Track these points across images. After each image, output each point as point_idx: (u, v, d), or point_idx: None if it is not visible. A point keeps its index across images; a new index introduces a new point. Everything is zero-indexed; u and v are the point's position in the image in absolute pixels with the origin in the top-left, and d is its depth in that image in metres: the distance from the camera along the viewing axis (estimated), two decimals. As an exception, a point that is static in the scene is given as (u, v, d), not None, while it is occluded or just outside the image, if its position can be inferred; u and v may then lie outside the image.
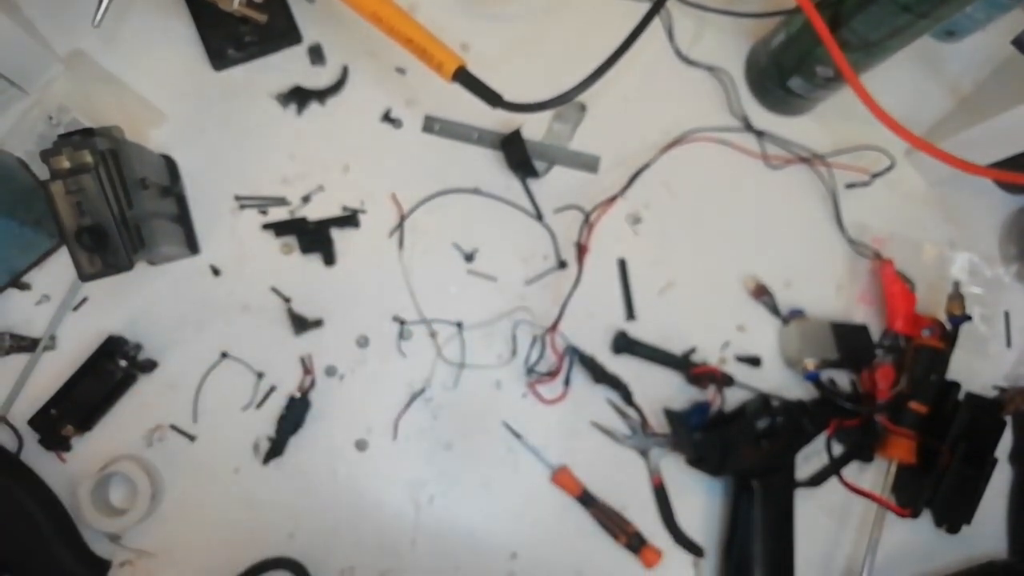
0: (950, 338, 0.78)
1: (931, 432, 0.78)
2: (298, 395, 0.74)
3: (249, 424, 0.75)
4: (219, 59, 0.78)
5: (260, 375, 0.75)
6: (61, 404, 0.71)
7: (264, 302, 0.76)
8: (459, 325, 0.78)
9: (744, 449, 0.74)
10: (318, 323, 0.76)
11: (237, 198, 0.77)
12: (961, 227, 0.86)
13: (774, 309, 0.81)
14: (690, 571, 0.78)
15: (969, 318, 0.78)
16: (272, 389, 0.75)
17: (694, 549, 0.77)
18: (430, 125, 0.80)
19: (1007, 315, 0.85)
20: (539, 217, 0.80)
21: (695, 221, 0.82)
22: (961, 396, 0.80)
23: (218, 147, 0.77)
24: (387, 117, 0.80)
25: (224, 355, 0.75)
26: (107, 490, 0.73)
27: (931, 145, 0.66)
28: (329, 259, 0.77)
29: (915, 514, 0.78)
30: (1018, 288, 0.86)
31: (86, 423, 0.72)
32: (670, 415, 0.78)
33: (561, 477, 0.76)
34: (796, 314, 0.81)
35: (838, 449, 0.78)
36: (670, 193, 0.82)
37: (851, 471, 0.79)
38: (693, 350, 0.80)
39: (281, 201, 0.77)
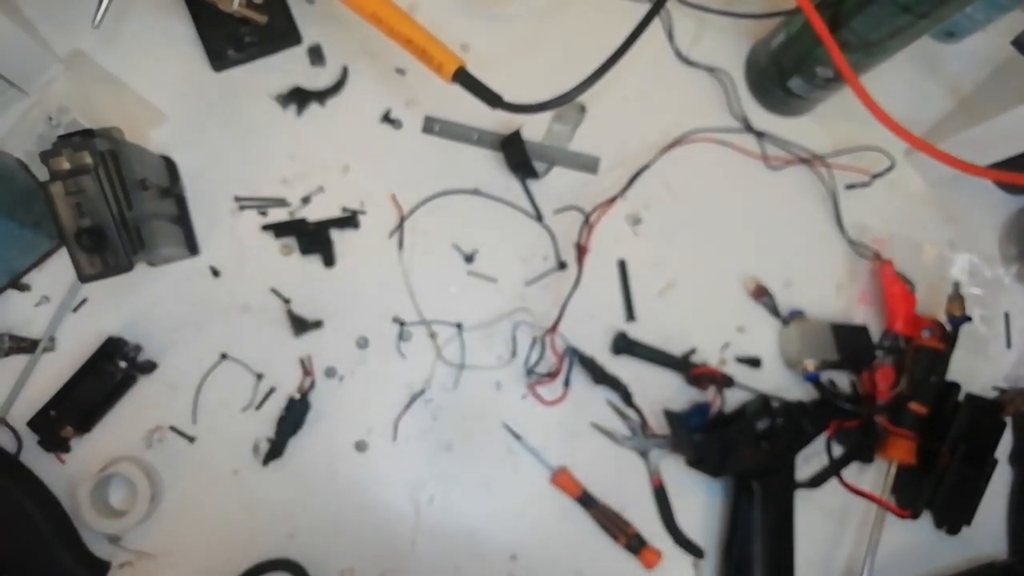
0: (950, 339, 0.78)
1: (931, 433, 0.78)
2: (298, 396, 0.74)
3: (249, 425, 0.75)
4: (219, 60, 0.78)
5: (260, 376, 0.75)
6: (60, 405, 0.71)
7: (264, 303, 0.76)
8: (459, 326, 0.78)
9: (744, 450, 0.74)
10: (318, 324, 0.76)
11: (237, 199, 0.77)
12: (961, 228, 0.86)
13: (774, 310, 0.81)
14: (690, 572, 0.78)
15: (969, 319, 0.78)
16: (272, 390, 0.75)
17: (694, 550, 0.77)
18: (430, 126, 0.80)
19: (1007, 316, 0.85)
20: (539, 218, 0.80)
21: (695, 222, 0.82)
22: (961, 397, 0.80)
23: (218, 148, 0.77)
24: (387, 118, 0.80)
25: (224, 356, 0.75)
26: (107, 491, 0.73)
27: (931, 146, 0.66)
28: (329, 260, 0.77)
29: (915, 515, 0.78)
30: (1018, 289, 0.86)
31: (86, 424, 0.72)
32: (670, 416, 0.78)
33: (561, 478, 0.76)
34: (796, 315, 0.81)
35: (838, 450, 0.78)
36: (670, 194, 0.82)
37: (851, 472, 0.79)
38: (693, 351, 0.80)
39: (281, 202, 0.77)
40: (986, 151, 0.76)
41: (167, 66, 0.78)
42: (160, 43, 0.78)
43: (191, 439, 0.74)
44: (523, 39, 0.82)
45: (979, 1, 0.73)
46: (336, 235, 0.77)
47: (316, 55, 0.79)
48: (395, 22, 0.65)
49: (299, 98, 0.78)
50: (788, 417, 0.74)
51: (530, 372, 0.77)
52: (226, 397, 0.75)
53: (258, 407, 0.75)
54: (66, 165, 0.60)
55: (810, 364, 0.77)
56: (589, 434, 0.78)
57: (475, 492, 0.77)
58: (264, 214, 0.77)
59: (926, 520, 0.80)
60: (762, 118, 0.84)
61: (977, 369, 0.83)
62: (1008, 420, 0.81)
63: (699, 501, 0.79)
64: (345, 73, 0.79)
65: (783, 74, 0.78)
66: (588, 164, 0.81)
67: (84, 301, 0.74)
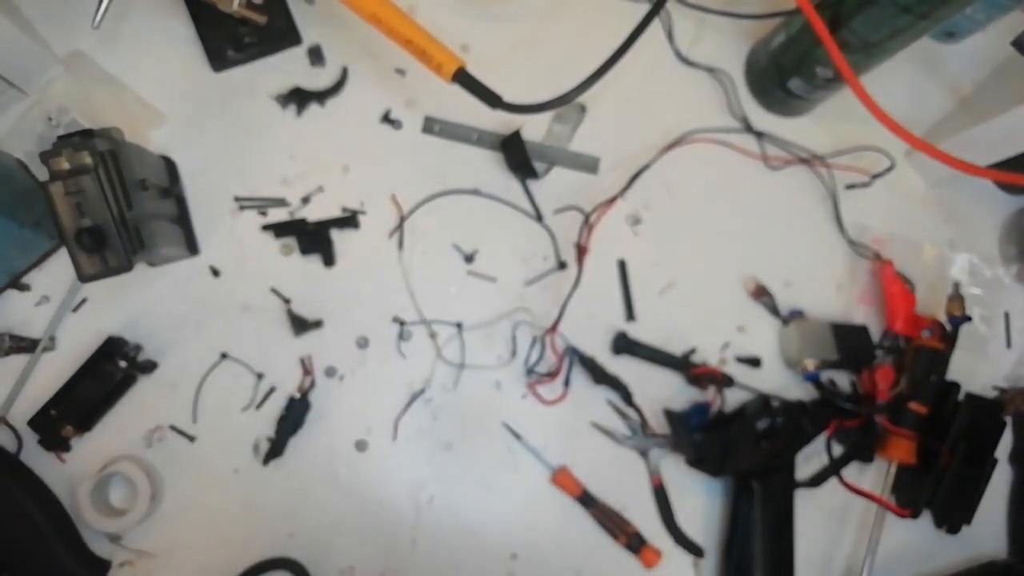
0: (950, 339, 0.78)
1: (931, 433, 0.78)
2: (298, 396, 0.74)
3: (249, 425, 0.75)
4: (219, 60, 0.78)
5: (260, 376, 0.75)
6: (61, 405, 0.71)
7: (264, 303, 0.76)
8: (459, 326, 0.78)
9: (744, 450, 0.74)
10: (318, 324, 0.76)
11: (237, 199, 0.77)
12: (961, 228, 0.86)
13: (774, 310, 0.81)
14: (690, 571, 0.78)
15: (969, 319, 0.78)
16: (272, 390, 0.75)
17: (694, 549, 0.77)
18: (430, 126, 0.80)
19: (1007, 316, 0.85)
20: (539, 218, 0.80)
21: (695, 222, 0.82)
22: (961, 397, 0.80)
23: (218, 148, 0.77)
24: (387, 118, 0.80)
25: (224, 356, 0.75)
26: (107, 490, 0.73)
27: (931, 146, 0.66)
28: (329, 260, 0.77)
29: (915, 515, 0.78)
30: (1018, 289, 0.86)
31: (86, 424, 0.72)
32: (670, 416, 0.78)
33: (561, 478, 0.76)
34: (796, 315, 0.81)
35: (838, 450, 0.78)
36: (670, 194, 0.82)
37: (851, 472, 0.79)
38: (693, 351, 0.80)
39: (281, 202, 0.77)
40: (986, 151, 0.76)
41: (167, 66, 0.78)
42: (160, 43, 0.78)
43: (191, 438, 0.74)
44: (523, 39, 0.83)
45: (979, 1, 0.73)
46: (336, 235, 0.77)
47: (316, 55, 0.79)
48: (395, 22, 0.65)
49: (299, 98, 0.78)
50: (788, 417, 0.74)
51: (530, 372, 0.77)
52: (226, 397, 0.75)
53: (258, 407, 0.75)
54: (66, 165, 0.60)
55: (810, 364, 0.77)
56: (589, 434, 0.78)
57: (475, 492, 0.77)
58: (264, 214, 0.77)
59: (926, 520, 0.80)
60: (762, 118, 0.84)
61: (977, 369, 0.83)
62: (1008, 420, 0.81)
63: (699, 501, 0.79)
64: (345, 73, 0.79)
65: (783, 74, 0.78)
66: (588, 164, 0.81)
67: (84, 301, 0.75)
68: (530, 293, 0.79)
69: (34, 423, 0.72)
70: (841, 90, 0.78)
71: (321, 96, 0.78)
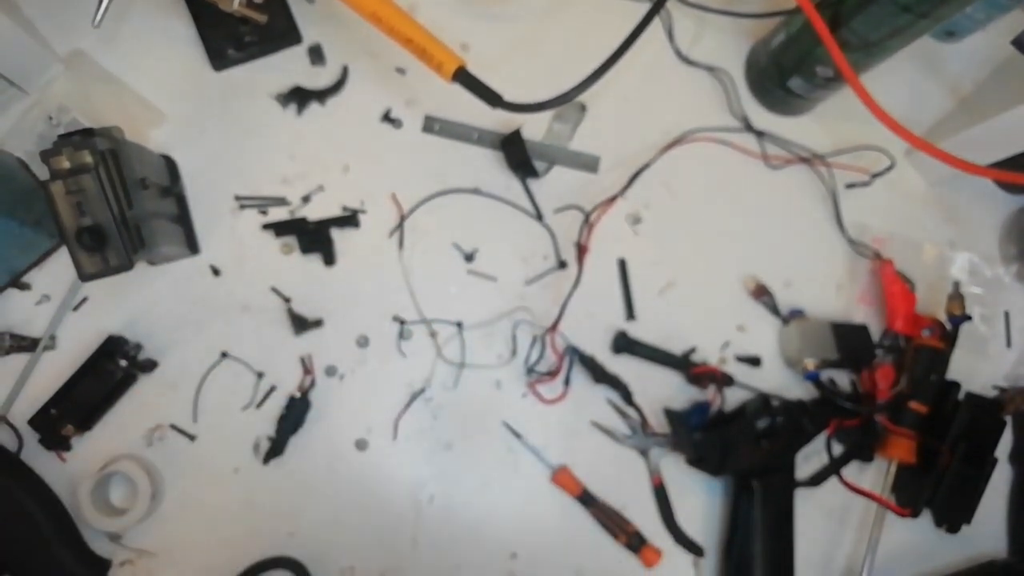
0: (950, 338, 0.78)
1: (931, 432, 0.78)
2: (298, 395, 0.74)
3: (249, 424, 0.75)
4: (219, 59, 0.78)
5: (260, 375, 0.75)
6: (61, 404, 0.71)
7: (264, 302, 0.76)
8: (459, 325, 0.78)
9: (744, 449, 0.74)
10: (318, 323, 0.76)
11: (237, 198, 0.77)
12: (961, 227, 0.86)
13: (774, 309, 0.81)
14: (690, 571, 0.78)
15: (969, 318, 0.78)
16: (272, 389, 0.75)
17: (694, 549, 0.77)
18: (430, 125, 0.80)
19: (1007, 315, 0.85)
20: (539, 217, 0.80)
21: (695, 221, 0.82)
22: (961, 396, 0.80)
23: (218, 147, 0.77)
24: (387, 117, 0.80)
25: (224, 355, 0.75)
26: (107, 490, 0.73)
27: (931, 145, 0.66)
28: (329, 259, 0.77)
29: (915, 514, 0.78)
30: (1018, 288, 0.86)
31: (86, 423, 0.72)
32: (670, 415, 0.78)
33: (561, 477, 0.76)
34: (796, 314, 0.81)
35: (838, 449, 0.78)
36: (670, 193, 0.82)
37: (851, 471, 0.79)
38: (693, 350, 0.80)
39: (281, 201, 0.77)
40: (986, 151, 0.76)
41: (167, 65, 0.78)
42: (160, 43, 0.78)
43: (192, 437, 0.74)
44: (523, 39, 0.83)
45: (979, 1, 0.73)
46: (336, 234, 0.77)
47: (316, 54, 0.79)
48: (395, 22, 0.65)
49: (299, 97, 0.78)
50: (788, 416, 0.74)
51: (530, 371, 0.77)
52: (227, 396, 0.75)
53: (258, 406, 0.75)
54: (66, 164, 0.60)
55: (810, 363, 0.77)
56: (589, 433, 0.78)
57: (475, 491, 0.77)
58: (264, 213, 0.77)
59: (926, 519, 0.80)
60: (762, 118, 0.84)
61: (977, 368, 0.83)
62: (1008, 419, 0.81)
63: (699, 500, 0.79)
64: (345, 72, 0.79)
65: (783, 74, 0.78)
66: (588, 163, 0.82)
67: (84, 300, 0.75)
68: (530, 292, 0.79)
69: (34, 422, 0.72)
70: (841, 89, 0.78)
71: (321, 95, 0.78)
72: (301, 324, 0.75)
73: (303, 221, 0.77)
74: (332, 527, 0.75)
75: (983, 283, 0.85)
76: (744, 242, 0.82)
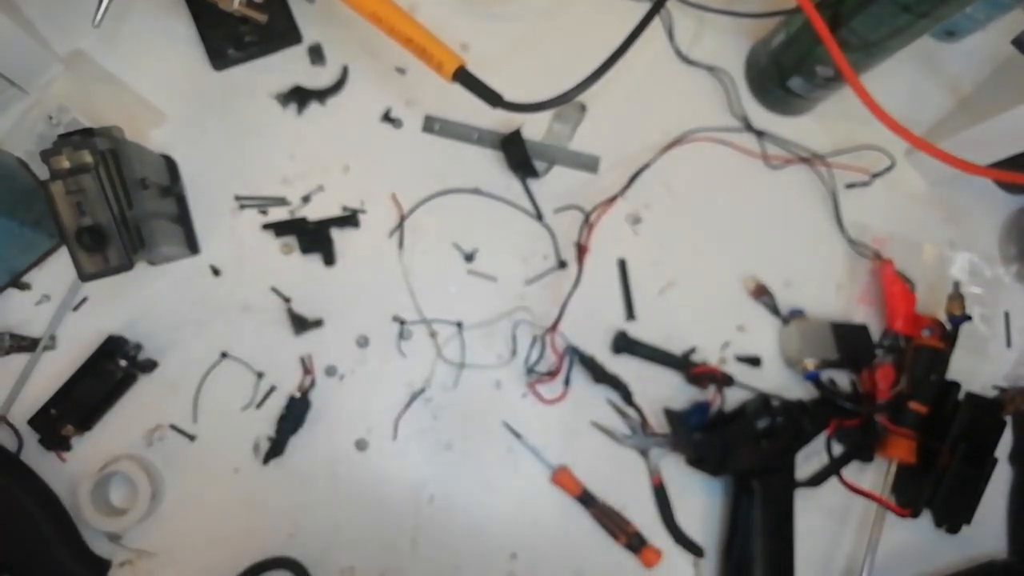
0: (950, 338, 0.78)
1: (931, 432, 0.78)
2: (298, 395, 0.74)
3: (249, 424, 0.75)
4: (219, 59, 0.78)
5: (260, 375, 0.75)
6: (61, 404, 0.71)
7: (264, 302, 0.76)
8: (459, 325, 0.78)
9: (744, 449, 0.74)
10: (318, 323, 0.76)
11: (237, 198, 0.77)
12: (961, 227, 0.86)
13: (774, 309, 0.81)
14: (690, 571, 0.78)
15: (969, 318, 0.78)
16: (272, 389, 0.75)
17: (694, 549, 0.77)
18: (430, 125, 0.80)
19: (1007, 315, 0.85)
20: (539, 217, 0.80)
21: (695, 221, 0.82)
22: (961, 396, 0.80)
23: (218, 147, 0.77)
24: (387, 117, 0.80)
25: (224, 355, 0.75)
26: (107, 490, 0.73)
27: (931, 145, 0.66)
28: (329, 259, 0.77)
29: (915, 514, 0.78)
30: (1018, 288, 0.86)
31: (86, 423, 0.72)
32: (670, 415, 0.78)
33: (561, 477, 0.76)
34: (796, 314, 0.81)
35: (838, 449, 0.78)
36: (670, 193, 0.82)
37: (851, 471, 0.79)
38: (693, 350, 0.80)
39: (281, 201, 0.77)
40: (986, 151, 0.76)
41: (167, 66, 0.78)
42: (160, 43, 0.78)
43: (192, 438, 0.74)
44: (523, 39, 0.83)
45: (979, 1, 0.73)
46: (336, 234, 0.77)
47: (316, 54, 0.79)
48: (395, 21, 0.65)
49: (299, 97, 0.78)
50: (788, 416, 0.74)
51: (530, 371, 0.77)
52: (227, 396, 0.75)
53: (258, 406, 0.75)
54: (66, 164, 0.60)
55: (810, 363, 0.77)
56: (589, 433, 0.78)
57: (475, 491, 0.77)
58: (264, 213, 0.77)
59: (926, 519, 0.80)
60: (762, 117, 0.84)
61: (977, 368, 0.83)
62: (1008, 419, 0.81)
63: (699, 500, 0.79)
64: (345, 72, 0.79)
65: (783, 73, 0.78)
66: (588, 163, 0.82)
67: (84, 300, 0.75)
68: (530, 292, 0.79)
69: (34, 422, 0.72)
70: (841, 89, 0.78)
71: (321, 95, 0.78)
72: (301, 324, 0.75)
73: (303, 221, 0.77)
74: (332, 527, 0.75)
75: (983, 283, 0.85)
76: (744, 242, 0.82)
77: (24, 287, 0.74)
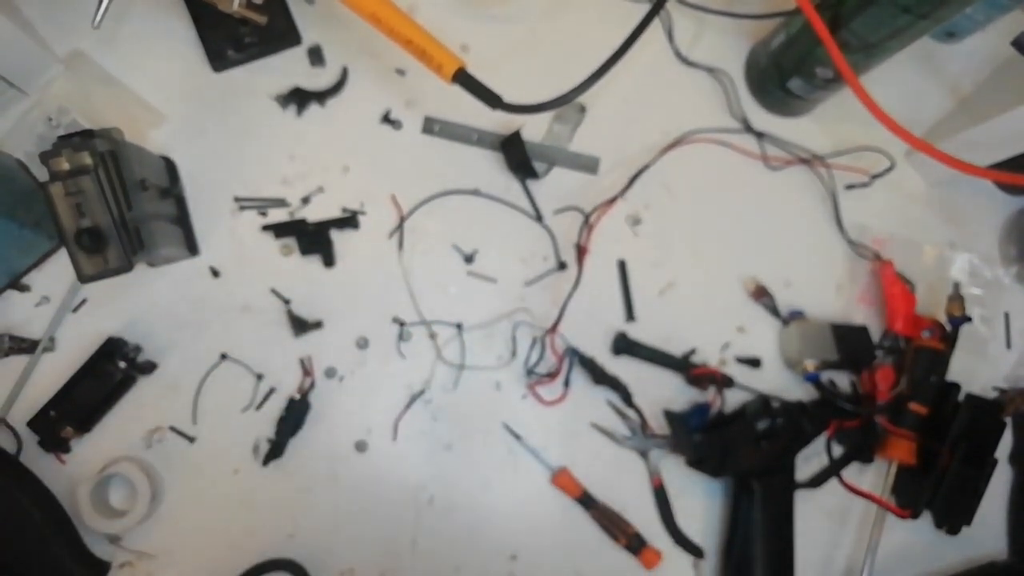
0: (950, 339, 0.78)
1: (931, 433, 0.78)
2: (298, 396, 0.74)
3: (249, 425, 0.75)
4: (219, 60, 0.78)
5: (260, 377, 0.75)
6: (60, 406, 0.71)
7: (264, 303, 0.76)
8: (459, 326, 0.78)
9: (744, 450, 0.74)
10: (318, 325, 0.76)
11: (237, 199, 0.77)
12: (961, 228, 0.86)
13: (774, 310, 0.81)
14: (690, 572, 0.78)
15: (969, 319, 0.78)
16: (272, 391, 0.75)
17: (694, 550, 0.77)
18: (430, 126, 0.80)
19: (1007, 316, 0.85)
20: (539, 218, 0.80)
21: (695, 222, 0.82)
22: (961, 397, 0.80)
23: (218, 148, 0.77)
24: (387, 118, 0.80)
25: (224, 357, 0.75)
26: (107, 491, 0.73)
27: (931, 146, 0.66)
28: (329, 260, 0.77)
29: (915, 515, 0.78)
30: (1018, 289, 0.86)
31: (85, 424, 0.72)
32: (670, 416, 0.78)
33: (561, 478, 0.76)
34: (796, 315, 0.81)
35: (838, 450, 0.78)
36: (670, 194, 0.82)
37: (851, 472, 0.79)
38: (693, 351, 0.80)
39: (281, 202, 0.77)
40: (986, 151, 0.76)
41: (167, 66, 0.78)
42: (160, 43, 0.78)
43: (191, 439, 0.74)
44: (523, 39, 0.82)
45: (979, 1, 0.73)
46: (336, 235, 0.77)
47: (316, 55, 0.79)
48: (395, 22, 0.65)
49: (299, 98, 0.78)
50: (788, 417, 0.74)
51: (530, 372, 0.77)
52: (226, 397, 0.75)
53: (258, 407, 0.75)
54: (66, 165, 0.60)
55: (810, 364, 0.77)
56: (589, 434, 0.78)
57: (475, 492, 0.77)
58: (264, 214, 0.77)
59: (926, 520, 0.80)
60: (762, 118, 0.84)
61: (977, 369, 0.83)
62: (1008, 420, 0.81)
63: (699, 501, 0.79)
64: (345, 73, 0.79)
65: (783, 74, 0.78)
66: (588, 164, 0.81)
67: (84, 301, 0.74)
68: (530, 293, 0.79)
69: (34, 424, 0.72)
70: (841, 90, 0.78)
71: (321, 96, 0.78)
72: (301, 326, 0.75)
73: (303, 222, 0.77)
74: (332, 529, 0.75)
75: (983, 284, 0.85)
76: (744, 243, 0.82)
77: (23, 288, 0.74)
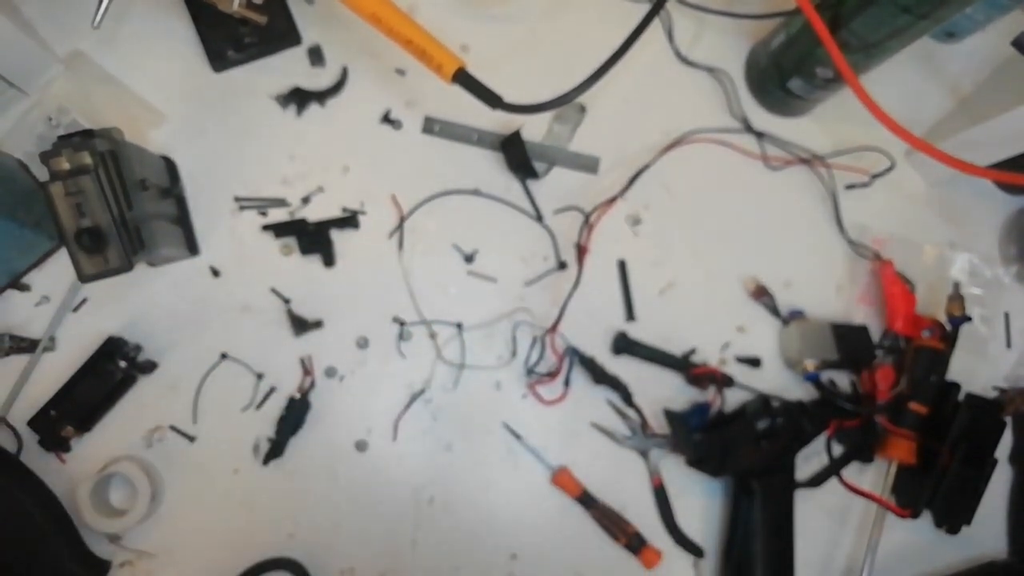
0: (950, 339, 0.78)
1: (931, 433, 0.78)
2: (298, 396, 0.74)
3: (249, 425, 0.75)
4: (219, 60, 0.78)
5: (260, 376, 0.75)
6: (61, 405, 0.71)
7: (264, 303, 0.76)
8: (459, 326, 0.78)
9: (744, 450, 0.74)
10: (318, 324, 0.76)
11: (237, 199, 0.77)
12: (961, 228, 0.86)
13: (774, 310, 0.81)
14: (690, 572, 0.78)
15: (969, 319, 0.78)
16: (272, 390, 0.75)
17: (694, 550, 0.77)
18: (430, 126, 0.80)
19: (1007, 316, 0.85)
20: (539, 218, 0.80)
21: (695, 222, 0.82)
22: (961, 397, 0.80)
23: (218, 148, 0.77)
24: (387, 118, 0.80)
25: (224, 356, 0.75)
26: (107, 491, 0.73)
27: (931, 146, 0.66)
28: (329, 260, 0.77)
29: (915, 515, 0.78)
30: (1018, 289, 0.86)
31: (86, 424, 0.72)
32: (670, 416, 0.78)
33: (561, 478, 0.76)
34: (796, 315, 0.81)
35: (838, 450, 0.78)
36: (670, 194, 0.82)
37: (851, 472, 0.79)
38: (693, 351, 0.80)
39: (281, 202, 0.77)
40: (986, 151, 0.76)
41: (167, 66, 0.78)
42: (160, 43, 0.78)
43: (191, 439, 0.74)
44: (523, 39, 0.82)
45: (979, 1, 0.73)
46: (336, 235, 0.77)
47: (316, 55, 0.79)
48: (395, 22, 0.65)
49: (299, 98, 0.78)
50: (788, 417, 0.74)
51: (530, 372, 0.77)
52: (226, 397, 0.75)
53: (258, 407, 0.75)
54: (66, 165, 0.60)
55: (810, 364, 0.77)
56: (589, 434, 0.78)
57: (475, 491, 0.77)
58: (264, 214, 0.77)
59: (926, 520, 0.80)
60: (762, 118, 0.84)
61: (977, 369, 0.83)
62: (1008, 420, 0.81)
63: (699, 501, 0.79)
64: (345, 73, 0.79)
65: (783, 75, 0.78)
66: (588, 164, 0.81)
67: (84, 301, 0.75)
68: (530, 293, 0.79)
69: (34, 423, 0.72)
70: (841, 90, 0.78)
71: (321, 96, 0.78)
72: (301, 325, 0.75)
73: (303, 222, 0.77)
74: (332, 528, 0.75)
75: (983, 284, 0.85)
76: (744, 243, 0.82)
77: (24, 288, 0.74)
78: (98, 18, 0.68)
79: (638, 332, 0.79)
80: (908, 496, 0.79)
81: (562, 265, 0.79)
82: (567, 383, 0.78)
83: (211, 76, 0.78)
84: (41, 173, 0.63)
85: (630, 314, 0.80)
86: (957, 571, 0.81)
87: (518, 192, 0.80)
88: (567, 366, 0.77)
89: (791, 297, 0.82)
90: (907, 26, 0.66)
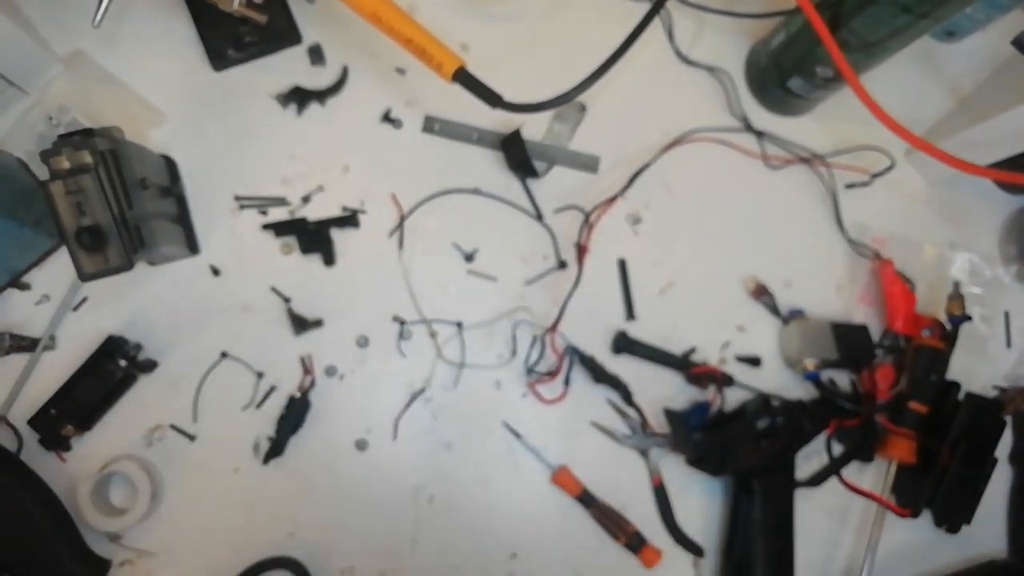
0: (950, 338, 0.78)
1: (931, 432, 0.78)
2: (298, 395, 0.74)
3: (249, 424, 0.75)
4: (219, 59, 0.78)
5: (260, 375, 0.75)
6: (61, 404, 0.71)
7: (264, 302, 0.76)
8: (459, 325, 0.78)
9: (744, 449, 0.74)
10: (318, 323, 0.76)
11: (237, 198, 0.77)
12: (961, 227, 0.86)
13: (774, 309, 0.81)
14: (690, 571, 0.78)
15: (969, 318, 0.78)
16: (272, 389, 0.75)
17: (694, 549, 0.77)
18: (430, 125, 0.80)
19: (1007, 315, 0.85)
20: (539, 217, 0.80)
21: (695, 221, 0.82)
22: (961, 396, 0.80)
23: (218, 147, 0.77)
24: (387, 117, 0.80)
25: (224, 355, 0.75)
26: (107, 490, 0.73)
27: (931, 145, 0.66)
28: (329, 259, 0.77)
29: (915, 514, 0.78)
30: (1018, 288, 0.86)
31: (86, 423, 0.72)
32: (670, 415, 0.78)
33: (561, 477, 0.76)
34: (796, 314, 0.81)
35: (838, 449, 0.78)
36: (670, 193, 0.82)
37: (851, 471, 0.79)
38: (693, 350, 0.80)
39: (281, 201, 0.77)
40: (986, 151, 0.76)
41: (167, 66, 0.78)
42: (160, 43, 0.78)
43: (191, 437, 0.74)
44: (523, 39, 0.83)
45: (979, 1, 0.73)
46: (336, 234, 0.77)
47: (316, 55, 0.79)
48: (395, 22, 0.65)
49: (299, 97, 0.78)
50: (788, 416, 0.74)
51: (530, 371, 0.77)
52: (226, 396, 0.75)
53: (258, 406, 0.75)
54: (66, 164, 0.60)
55: (810, 363, 0.77)
56: (589, 433, 0.78)
57: (475, 491, 0.77)
58: (264, 213, 0.77)
59: (926, 519, 0.80)
60: (762, 118, 0.84)
61: (977, 368, 0.83)
62: (1008, 419, 0.81)
63: (699, 500, 0.79)
64: (345, 73, 0.79)
65: (783, 74, 0.78)
66: (588, 163, 0.82)
67: (84, 300, 0.75)
68: (530, 292, 0.79)
69: (34, 422, 0.72)
70: (841, 89, 0.78)
71: (321, 95, 0.78)
72: (301, 324, 0.75)
73: (303, 221, 0.77)
74: (332, 527, 0.75)
75: (983, 283, 0.85)
76: (744, 242, 0.82)
77: (24, 287, 0.74)
78: (98, 17, 0.68)
79: (638, 331, 0.79)
80: (908, 495, 0.79)
81: (562, 264, 0.79)
82: (567, 382, 0.78)
83: (211, 75, 0.78)
84: (41, 172, 0.63)
85: (630, 313, 0.80)
86: (957, 571, 0.81)
87: (518, 191, 0.80)
88: (567, 365, 0.77)
89: (791, 296, 0.82)
90: (907, 25, 0.66)
